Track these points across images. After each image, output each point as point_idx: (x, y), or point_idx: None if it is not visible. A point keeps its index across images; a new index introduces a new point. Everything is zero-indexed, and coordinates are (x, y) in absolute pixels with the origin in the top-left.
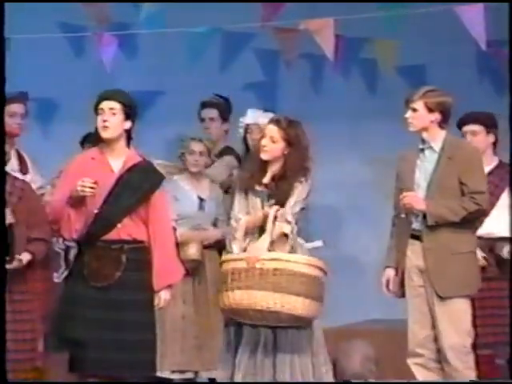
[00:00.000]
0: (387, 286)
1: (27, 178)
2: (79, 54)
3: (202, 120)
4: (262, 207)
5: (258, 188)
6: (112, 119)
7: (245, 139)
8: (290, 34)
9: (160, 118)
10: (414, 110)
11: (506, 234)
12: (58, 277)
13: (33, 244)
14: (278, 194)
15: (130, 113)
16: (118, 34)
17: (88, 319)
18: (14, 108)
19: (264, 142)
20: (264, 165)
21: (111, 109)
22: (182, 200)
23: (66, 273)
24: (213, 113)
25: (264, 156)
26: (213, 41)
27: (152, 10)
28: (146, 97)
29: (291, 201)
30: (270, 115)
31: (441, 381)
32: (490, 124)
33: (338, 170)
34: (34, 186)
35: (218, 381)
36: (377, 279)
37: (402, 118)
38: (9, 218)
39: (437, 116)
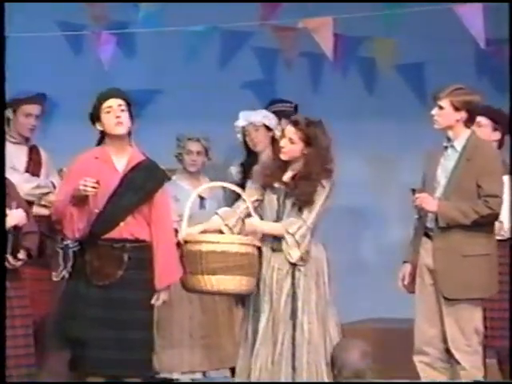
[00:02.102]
0: (402, 280)
1: (36, 179)
2: (78, 53)
3: None
4: (278, 204)
5: (276, 185)
6: (123, 115)
7: (245, 142)
8: (288, 33)
9: (158, 117)
10: (440, 107)
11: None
12: (57, 276)
13: (25, 239)
14: (298, 194)
15: (131, 111)
16: (116, 32)
17: (90, 318)
18: (28, 109)
19: (282, 142)
20: (284, 164)
21: (120, 105)
22: (183, 200)
23: (64, 272)
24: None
25: (283, 157)
26: (211, 39)
27: (150, 8)
28: (145, 95)
29: (311, 211)
30: (262, 112)
31: (443, 381)
32: (498, 121)
33: (336, 169)
34: (31, 186)
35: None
36: (375, 279)
37: (401, 117)
38: (24, 219)
39: (463, 115)
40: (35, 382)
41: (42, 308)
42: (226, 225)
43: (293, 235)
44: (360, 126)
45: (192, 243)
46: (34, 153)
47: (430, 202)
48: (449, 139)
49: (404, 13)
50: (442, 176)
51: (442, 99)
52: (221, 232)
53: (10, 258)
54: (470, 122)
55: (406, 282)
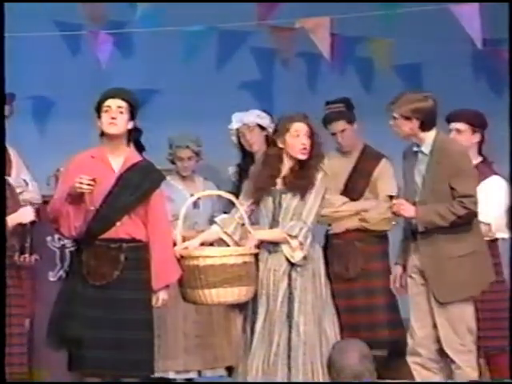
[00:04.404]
0: (395, 282)
1: (9, 179)
2: (75, 53)
3: None
4: (274, 206)
5: (271, 187)
6: (119, 117)
7: (240, 144)
8: (286, 33)
9: (155, 117)
10: (394, 118)
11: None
12: (54, 275)
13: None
14: (298, 183)
15: (134, 113)
16: (113, 32)
17: (86, 318)
18: None
19: (304, 140)
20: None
21: (119, 107)
22: (177, 200)
23: (61, 272)
24: None
25: (304, 156)
26: (209, 39)
27: (148, 8)
28: (142, 95)
29: (310, 211)
30: (255, 112)
31: (439, 381)
32: (476, 123)
33: None
34: None
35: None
36: None
37: None
38: (32, 216)
39: (414, 122)
40: (35, 382)
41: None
42: (225, 232)
43: (296, 237)
44: (357, 126)
45: (188, 258)
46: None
47: (407, 208)
48: (417, 144)
49: (401, 13)
50: (418, 180)
51: (393, 110)
52: (221, 239)
53: (24, 256)
54: (426, 126)
55: (397, 284)
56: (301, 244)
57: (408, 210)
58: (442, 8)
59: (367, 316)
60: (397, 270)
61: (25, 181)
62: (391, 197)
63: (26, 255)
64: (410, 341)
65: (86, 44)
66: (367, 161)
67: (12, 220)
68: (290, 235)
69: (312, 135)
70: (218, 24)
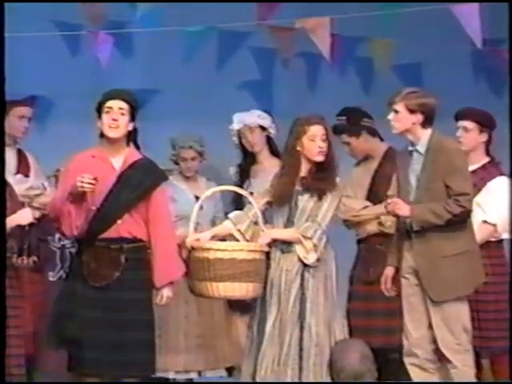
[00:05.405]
0: (385, 283)
1: (29, 180)
2: (75, 53)
3: None
4: (290, 207)
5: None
6: (121, 119)
7: (241, 144)
8: (286, 33)
9: (155, 117)
10: (396, 111)
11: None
12: (54, 276)
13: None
14: (316, 184)
15: (134, 114)
16: (113, 32)
17: (87, 318)
18: (22, 111)
19: (320, 143)
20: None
21: (120, 108)
22: (180, 200)
23: (61, 272)
24: None
25: (321, 158)
26: (209, 39)
27: (148, 8)
28: (142, 95)
29: (325, 213)
30: (257, 112)
31: (437, 381)
32: (484, 123)
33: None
34: (24, 187)
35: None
36: None
37: None
38: (30, 217)
39: (419, 117)
40: (35, 382)
41: (36, 310)
42: (238, 230)
43: (310, 239)
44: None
45: (199, 250)
46: (21, 155)
47: (402, 207)
48: (412, 144)
49: (401, 13)
50: (412, 180)
51: (397, 103)
52: (231, 235)
53: (22, 257)
54: (427, 123)
55: (388, 285)
56: (315, 246)
57: (403, 209)
58: (442, 8)
59: (384, 320)
60: (388, 271)
61: (43, 184)
62: (386, 196)
63: (24, 257)
64: (405, 342)
65: (85, 44)
66: (389, 165)
67: (11, 221)
68: (304, 236)
69: (328, 137)
70: (218, 24)
